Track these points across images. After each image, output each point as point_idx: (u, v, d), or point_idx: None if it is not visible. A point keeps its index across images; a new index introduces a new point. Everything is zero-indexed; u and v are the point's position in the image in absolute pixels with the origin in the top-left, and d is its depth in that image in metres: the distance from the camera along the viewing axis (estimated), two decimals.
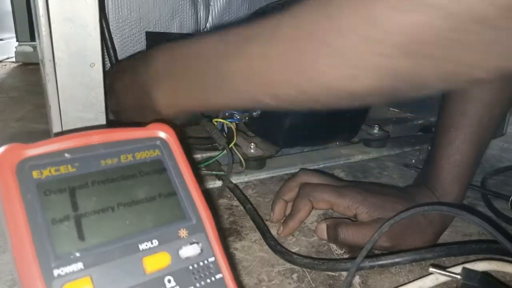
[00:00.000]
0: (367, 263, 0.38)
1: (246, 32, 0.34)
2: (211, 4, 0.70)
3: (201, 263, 0.26)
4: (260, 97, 0.34)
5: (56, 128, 0.45)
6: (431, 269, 0.36)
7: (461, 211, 0.36)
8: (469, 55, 0.26)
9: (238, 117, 0.59)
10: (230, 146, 0.55)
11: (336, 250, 0.44)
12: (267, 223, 0.48)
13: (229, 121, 0.57)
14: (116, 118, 0.51)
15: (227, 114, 0.58)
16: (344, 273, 0.40)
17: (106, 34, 0.56)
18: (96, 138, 0.27)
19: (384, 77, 0.28)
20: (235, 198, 0.52)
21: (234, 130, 0.56)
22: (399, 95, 0.30)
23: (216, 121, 0.57)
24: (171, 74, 0.41)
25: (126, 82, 0.47)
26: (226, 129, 0.57)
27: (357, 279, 0.40)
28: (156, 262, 0.25)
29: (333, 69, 0.29)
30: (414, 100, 0.80)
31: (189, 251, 0.26)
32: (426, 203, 0.45)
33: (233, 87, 0.35)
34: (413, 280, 0.38)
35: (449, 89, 0.30)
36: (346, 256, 0.43)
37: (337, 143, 0.69)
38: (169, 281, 0.25)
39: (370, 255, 0.38)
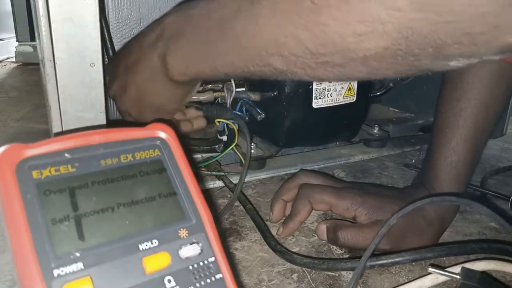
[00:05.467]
0: (367, 263, 0.38)
1: None
2: None
3: (201, 263, 0.26)
4: (269, 59, 0.33)
5: (56, 128, 0.45)
6: (430, 269, 0.36)
7: (471, 201, 0.35)
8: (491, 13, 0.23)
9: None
10: (231, 147, 0.55)
11: (336, 250, 0.44)
12: (267, 223, 0.48)
13: (232, 122, 0.57)
14: (118, 109, 0.52)
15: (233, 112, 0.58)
16: (344, 273, 0.40)
17: (106, 34, 0.56)
18: (96, 138, 0.27)
19: (395, 34, 0.26)
20: None
21: (236, 131, 0.56)
22: (415, 63, 0.28)
23: (219, 121, 0.57)
24: (183, 35, 0.40)
25: (133, 58, 0.46)
26: (227, 130, 0.57)
27: None
28: (156, 262, 0.25)
29: (338, 23, 0.28)
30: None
31: (189, 251, 0.26)
32: (434, 194, 0.44)
33: (242, 47, 0.34)
34: (412, 280, 0.38)
35: (471, 61, 0.26)
36: (346, 256, 0.43)
37: (337, 143, 0.69)
38: (169, 281, 0.25)
39: (370, 255, 0.38)
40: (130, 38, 0.64)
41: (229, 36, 0.35)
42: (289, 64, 0.32)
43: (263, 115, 0.59)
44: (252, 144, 0.59)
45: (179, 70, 0.41)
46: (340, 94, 0.59)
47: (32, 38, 1.54)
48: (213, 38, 0.37)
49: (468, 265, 0.37)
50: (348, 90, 0.60)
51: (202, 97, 0.58)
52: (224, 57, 0.36)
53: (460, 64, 0.28)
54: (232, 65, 0.36)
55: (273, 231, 0.45)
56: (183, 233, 0.27)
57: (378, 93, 0.73)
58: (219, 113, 0.55)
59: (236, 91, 0.58)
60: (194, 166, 0.56)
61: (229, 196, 0.54)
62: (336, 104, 0.59)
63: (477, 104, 0.46)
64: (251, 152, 0.52)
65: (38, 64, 1.09)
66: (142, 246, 0.25)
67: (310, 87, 0.57)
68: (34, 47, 1.50)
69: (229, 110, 0.57)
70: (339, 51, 0.29)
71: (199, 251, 0.27)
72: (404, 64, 0.28)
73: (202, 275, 0.26)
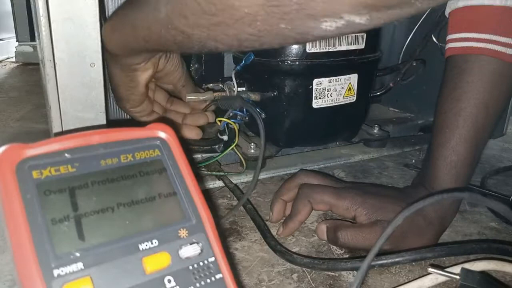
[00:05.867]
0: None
1: None
2: None
3: (201, 263, 0.26)
4: (176, 22, 0.34)
5: (56, 128, 0.45)
6: (430, 269, 0.36)
7: (483, 197, 0.35)
8: None
9: (240, 118, 0.58)
10: (231, 147, 0.55)
11: (336, 250, 0.44)
12: (267, 223, 0.48)
13: (233, 121, 0.57)
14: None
15: (231, 114, 0.58)
16: (344, 273, 0.40)
17: None
18: (96, 138, 0.27)
19: None
20: (235, 198, 0.52)
21: (236, 131, 0.56)
22: (291, 24, 0.29)
23: (220, 121, 0.57)
24: (119, 8, 0.44)
25: None
26: (227, 129, 0.57)
27: None
28: (156, 262, 0.25)
29: None
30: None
31: (189, 251, 0.26)
32: (442, 191, 0.44)
33: (156, 11, 0.36)
34: (412, 280, 0.38)
35: (339, 24, 0.28)
36: (346, 256, 0.43)
37: (337, 143, 0.69)
38: (169, 281, 0.25)
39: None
40: None
41: (145, 2, 0.38)
42: (191, 27, 0.34)
43: (263, 115, 0.59)
44: (252, 144, 0.59)
45: (109, 38, 0.44)
46: (340, 94, 0.59)
47: (32, 38, 1.54)
48: (135, 4, 0.40)
49: (468, 265, 0.37)
50: (348, 90, 0.60)
51: (202, 97, 0.58)
52: (143, 23, 0.39)
53: (332, 28, 0.28)
54: (149, 30, 0.38)
55: (273, 231, 0.45)
56: (183, 233, 0.27)
57: (378, 93, 0.73)
58: (231, 103, 0.57)
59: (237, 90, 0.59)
60: (194, 166, 0.56)
61: (229, 196, 0.54)
62: (336, 104, 0.59)
63: (477, 104, 0.45)
64: (265, 142, 0.51)
65: (38, 64, 1.09)
66: (142, 246, 0.25)
67: (310, 87, 0.57)
68: (34, 47, 1.50)
69: (239, 98, 0.57)
70: (225, 9, 0.30)
71: (199, 251, 0.27)
72: (281, 24, 0.29)
73: (202, 275, 0.26)
